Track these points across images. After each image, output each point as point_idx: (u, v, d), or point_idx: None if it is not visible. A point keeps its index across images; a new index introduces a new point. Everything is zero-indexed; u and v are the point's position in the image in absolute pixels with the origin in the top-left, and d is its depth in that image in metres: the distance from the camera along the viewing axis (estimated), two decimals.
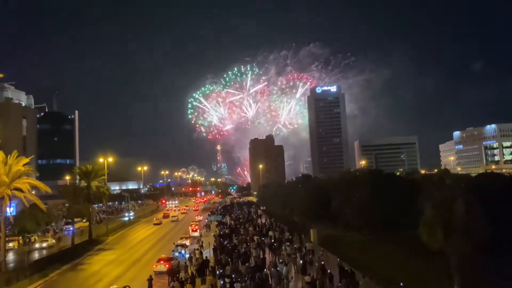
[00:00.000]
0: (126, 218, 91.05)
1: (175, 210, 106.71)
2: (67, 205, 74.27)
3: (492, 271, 26.36)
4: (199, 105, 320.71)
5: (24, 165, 39.89)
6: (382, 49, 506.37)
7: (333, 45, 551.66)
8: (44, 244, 53.86)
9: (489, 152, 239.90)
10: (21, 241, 54.57)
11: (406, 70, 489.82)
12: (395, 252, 34.86)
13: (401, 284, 23.63)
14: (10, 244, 50.77)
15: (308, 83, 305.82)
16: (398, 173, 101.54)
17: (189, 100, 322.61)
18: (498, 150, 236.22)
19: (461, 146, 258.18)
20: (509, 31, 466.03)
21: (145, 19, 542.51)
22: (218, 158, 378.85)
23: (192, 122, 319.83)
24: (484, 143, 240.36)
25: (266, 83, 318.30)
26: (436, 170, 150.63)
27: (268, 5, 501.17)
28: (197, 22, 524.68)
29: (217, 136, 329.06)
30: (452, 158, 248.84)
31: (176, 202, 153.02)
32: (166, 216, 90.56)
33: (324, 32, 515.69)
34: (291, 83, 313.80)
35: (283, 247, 39.60)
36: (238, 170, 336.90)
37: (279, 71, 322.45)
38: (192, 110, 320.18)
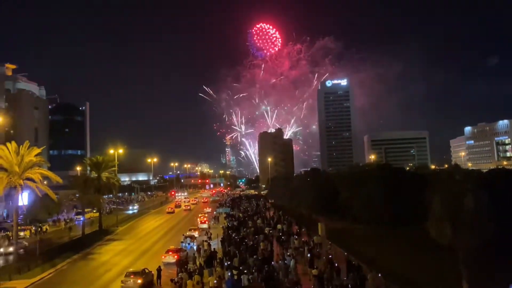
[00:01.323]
0: (130, 212, 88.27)
1: (184, 201, 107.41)
2: (77, 195, 75.34)
3: (501, 268, 26.20)
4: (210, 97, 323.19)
5: (35, 155, 40.40)
6: (395, 44, 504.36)
7: (346, 39, 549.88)
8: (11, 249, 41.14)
9: (500, 148, 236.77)
10: (32, 230, 55.45)
11: (418, 65, 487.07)
12: (403, 247, 34.79)
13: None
14: (22, 233, 51.60)
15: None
16: (407, 168, 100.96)
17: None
18: (510, 146, 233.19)
19: (472, 142, 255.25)
20: None
21: (160, 11, 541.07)
22: (227, 152, 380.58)
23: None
24: (496, 138, 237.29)
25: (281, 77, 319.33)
26: (446, 166, 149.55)
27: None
28: (209, 15, 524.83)
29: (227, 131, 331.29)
30: (463, 153, 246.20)
31: (185, 194, 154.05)
32: (178, 206, 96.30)
33: (337, 26, 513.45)
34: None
35: (291, 240, 39.73)
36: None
37: (293, 65, 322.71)
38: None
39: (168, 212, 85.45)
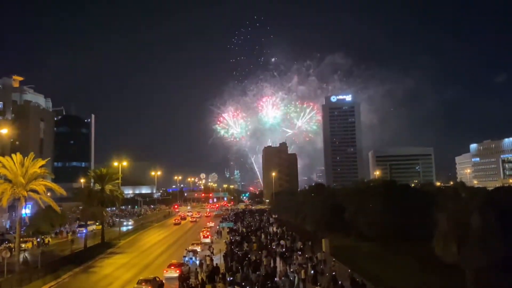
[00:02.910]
0: (124, 228, 76.96)
1: (188, 215, 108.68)
2: (81, 207, 75.12)
3: None
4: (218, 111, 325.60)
5: (40, 167, 40.47)
6: (405, 61, 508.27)
7: (355, 56, 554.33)
8: None
9: (506, 165, 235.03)
10: (35, 242, 55.24)
11: (427, 82, 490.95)
12: (408, 264, 34.29)
13: None
14: (24, 245, 51.41)
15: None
16: (412, 185, 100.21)
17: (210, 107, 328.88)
18: None
19: (478, 159, 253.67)
20: None
21: (166, 27, 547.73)
22: (231, 164, 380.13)
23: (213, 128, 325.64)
24: (501, 156, 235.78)
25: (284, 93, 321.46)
26: (452, 183, 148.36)
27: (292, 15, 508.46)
28: (218, 28, 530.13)
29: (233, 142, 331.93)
30: (469, 170, 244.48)
31: (189, 207, 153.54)
32: (183, 218, 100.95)
33: (347, 42, 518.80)
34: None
35: (294, 256, 39.30)
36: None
37: (301, 80, 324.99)
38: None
39: (175, 224, 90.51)
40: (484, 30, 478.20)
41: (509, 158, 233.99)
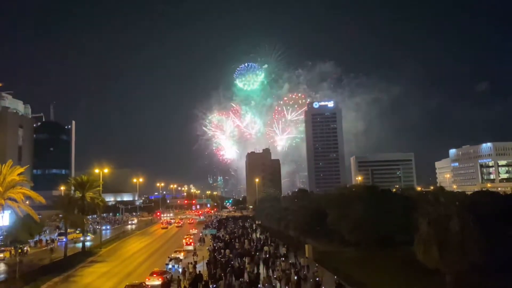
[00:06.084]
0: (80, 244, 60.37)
1: (171, 222, 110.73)
2: (61, 215, 73.74)
3: None
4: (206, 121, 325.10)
5: (18, 174, 39.76)
6: (391, 70, 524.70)
7: (344, 65, 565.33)
8: None
9: (484, 170, 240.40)
10: (13, 252, 53.89)
11: (411, 90, 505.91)
12: (390, 269, 34.61)
13: None
14: (1, 255, 50.16)
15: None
16: (394, 190, 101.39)
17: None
18: (493, 168, 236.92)
19: (457, 164, 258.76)
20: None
21: (147, 29, 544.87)
22: (215, 170, 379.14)
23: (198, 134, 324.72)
24: (479, 161, 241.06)
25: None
26: (432, 187, 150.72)
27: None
28: (205, 36, 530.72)
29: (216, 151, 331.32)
30: (448, 175, 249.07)
31: (171, 215, 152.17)
32: (169, 223, 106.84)
33: (335, 51, 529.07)
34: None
35: (277, 262, 39.26)
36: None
37: (292, 88, 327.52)
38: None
39: (163, 228, 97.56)
40: (466, 42, 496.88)
41: (487, 163, 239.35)
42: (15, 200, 38.67)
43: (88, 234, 72.15)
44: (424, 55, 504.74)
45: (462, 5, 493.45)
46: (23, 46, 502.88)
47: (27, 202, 43.18)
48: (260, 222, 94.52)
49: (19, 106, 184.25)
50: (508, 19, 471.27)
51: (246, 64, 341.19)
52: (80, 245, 59.67)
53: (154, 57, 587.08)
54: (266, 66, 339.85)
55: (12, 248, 54.90)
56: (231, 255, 44.41)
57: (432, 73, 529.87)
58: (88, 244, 66.72)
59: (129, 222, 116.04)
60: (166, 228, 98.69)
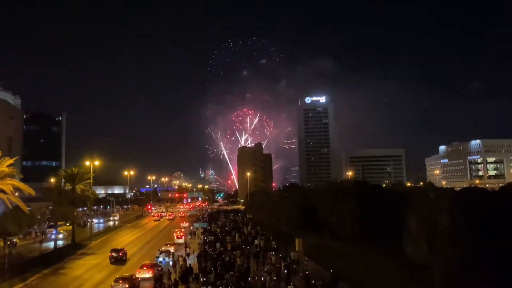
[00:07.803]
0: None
1: (162, 215, 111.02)
2: (51, 208, 73.28)
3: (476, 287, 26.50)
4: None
5: (8, 166, 39.39)
6: (383, 67, 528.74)
7: (341, 61, 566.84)
8: None
9: (473, 167, 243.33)
10: (1, 244, 53.44)
11: (404, 88, 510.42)
12: (380, 264, 34.93)
13: None
14: None
15: None
16: (384, 185, 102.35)
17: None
18: (482, 165, 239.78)
19: (446, 160, 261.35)
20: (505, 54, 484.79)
21: (143, 23, 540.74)
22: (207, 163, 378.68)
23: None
24: (469, 158, 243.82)
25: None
26: (421, 183, 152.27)
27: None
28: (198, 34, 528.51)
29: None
30: (438, 171, 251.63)
31: (162, 208, 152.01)
32: (161, 216, 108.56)
33: (335, 49, 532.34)
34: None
35: (268, 255, 39.49)
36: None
37: (288, 83, 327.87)
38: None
39: (155, 220, 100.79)
40: (458, 40, 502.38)
41: (476, 159, 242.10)
42: (4, 192, 38.30)
43: (61, 232, 63.78)
44: (417, 53, 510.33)
45: (456, 3, 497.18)
46: (13, 37, 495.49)
47: (17, 194, 42.79)
48: (251, 216, 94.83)
49: (9, 97, 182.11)
50: (499, 18, 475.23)
51: None
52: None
53: (148, 50, 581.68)
54: (264, 61, 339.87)
55: (1, 240, 54.49)
56: (221, 249, 44.58)
57: (424, 71, 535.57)
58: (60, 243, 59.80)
59: (110, 218, 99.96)
60: (158, 220, 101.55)
